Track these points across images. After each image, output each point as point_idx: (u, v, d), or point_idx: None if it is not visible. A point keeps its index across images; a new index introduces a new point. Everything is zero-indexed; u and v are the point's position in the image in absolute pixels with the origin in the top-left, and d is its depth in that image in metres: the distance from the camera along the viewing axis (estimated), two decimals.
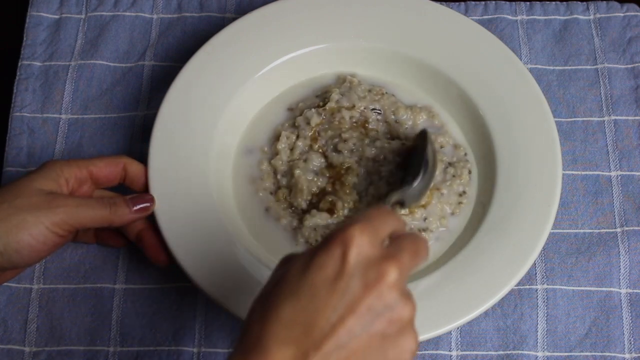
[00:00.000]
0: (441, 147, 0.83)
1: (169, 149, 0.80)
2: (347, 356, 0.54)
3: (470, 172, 0.82)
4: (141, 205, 0.75)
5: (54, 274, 0.81)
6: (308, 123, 0.83)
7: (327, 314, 0.53)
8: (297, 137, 0.83)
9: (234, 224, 0.79)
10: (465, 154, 0.83)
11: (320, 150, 0.82)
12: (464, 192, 0.82)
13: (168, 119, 0.82)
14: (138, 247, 0.78)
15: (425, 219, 0.80)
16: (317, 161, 0.81)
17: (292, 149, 0.82)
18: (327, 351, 0.53)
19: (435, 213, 0.80)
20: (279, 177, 0.82)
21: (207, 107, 0.83)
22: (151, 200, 0.76)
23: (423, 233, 0.80)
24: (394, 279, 0.54)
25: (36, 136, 0.86)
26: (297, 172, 0.80)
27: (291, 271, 0.55)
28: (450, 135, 0.84)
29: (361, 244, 0.54)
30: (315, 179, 0.81)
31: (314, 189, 0.81)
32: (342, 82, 0.86)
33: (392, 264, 0.54)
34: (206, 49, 0.85)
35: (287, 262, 0.57)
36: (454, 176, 0.81)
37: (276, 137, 0.84)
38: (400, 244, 0.57)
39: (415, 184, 0.76)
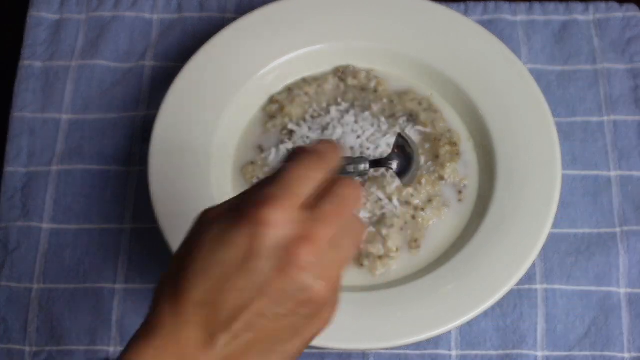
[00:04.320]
0: (437, 139, 0.84)
1: (169, 149, 0.80)
2: (257, 337, 0.52)
3: (458, 154, 0.83)
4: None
5: (54, 274, 0.81)
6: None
7: (236, 295, 0.51)
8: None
9: None
10: (456, 144, 0.84)
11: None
12: (465, 186, 0.82)
13: (168, 119, 0.82)
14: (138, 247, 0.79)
15: (423, 209, 0.80)
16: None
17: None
18: (235, 332, 0.52)
19: (433, 204, 0.81)
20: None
21: (207, 107, 0.83)
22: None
23: (420, 223, 0.80)
24: (306, 262, 0.51)
25: (37, 136, 0.87)
26: None
27: (203, 243, 0.53)
28: (445, 120, 0.85)
29: (273, 225, 0.51)
30: None
31: None
32: (339, 72, 0.87)
33: (305, 246, 0.51)
34: (206, 49, 0.85)
35: (203, 223, 0.54)
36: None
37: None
38: (322, 213, 0.53)
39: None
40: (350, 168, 0.69)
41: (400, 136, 0.76)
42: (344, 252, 0.54)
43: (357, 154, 0.83)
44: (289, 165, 0.54)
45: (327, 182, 0.55)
